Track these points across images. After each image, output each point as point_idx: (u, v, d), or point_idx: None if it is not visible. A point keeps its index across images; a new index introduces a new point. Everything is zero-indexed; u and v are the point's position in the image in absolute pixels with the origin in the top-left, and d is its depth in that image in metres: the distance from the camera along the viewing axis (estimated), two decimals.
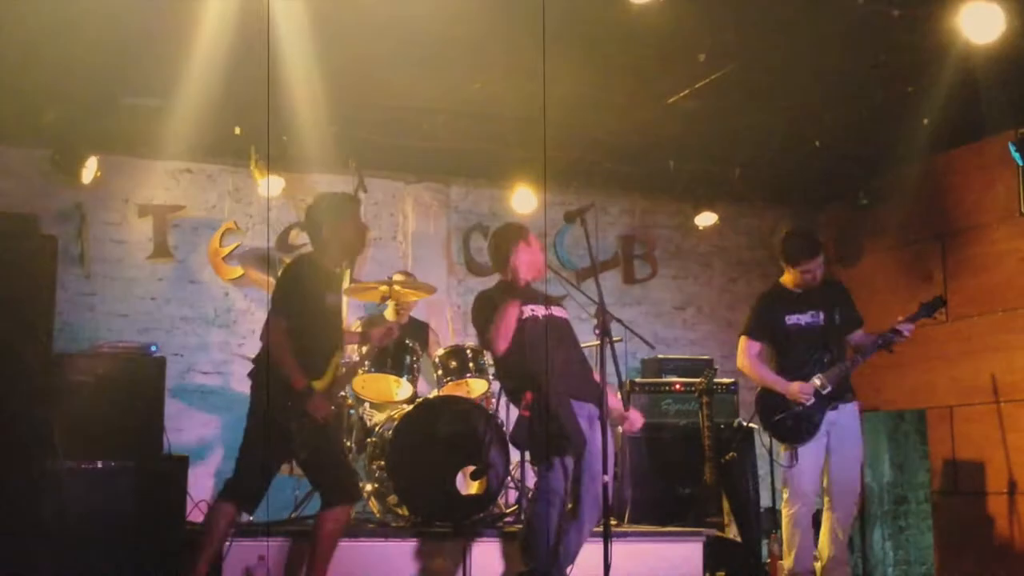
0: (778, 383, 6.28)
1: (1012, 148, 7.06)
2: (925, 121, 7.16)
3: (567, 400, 5.48)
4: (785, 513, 6.34)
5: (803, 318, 6.31)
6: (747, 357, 6.42)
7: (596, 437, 5.38)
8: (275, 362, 5.24)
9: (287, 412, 5.20)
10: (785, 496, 6.34)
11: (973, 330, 7.83)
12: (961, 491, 7.79)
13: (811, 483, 6.25)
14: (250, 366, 5.47)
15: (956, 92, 6.65)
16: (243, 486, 5.36)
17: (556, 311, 5.77)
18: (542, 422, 5.41)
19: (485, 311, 5.68)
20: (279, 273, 5.56)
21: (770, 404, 6.33)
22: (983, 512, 7.58)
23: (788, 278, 6.42)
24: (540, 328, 5.61)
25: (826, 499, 6.34)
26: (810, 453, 6.21)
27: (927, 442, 7.81)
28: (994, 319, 7.67)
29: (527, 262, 5.76)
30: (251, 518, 6.59)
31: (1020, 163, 7.15)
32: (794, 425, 6.23)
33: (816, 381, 6.17)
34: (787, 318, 6.33)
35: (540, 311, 5.70)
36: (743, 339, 6.47)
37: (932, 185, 8.24)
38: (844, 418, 6.25)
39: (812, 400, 6.17)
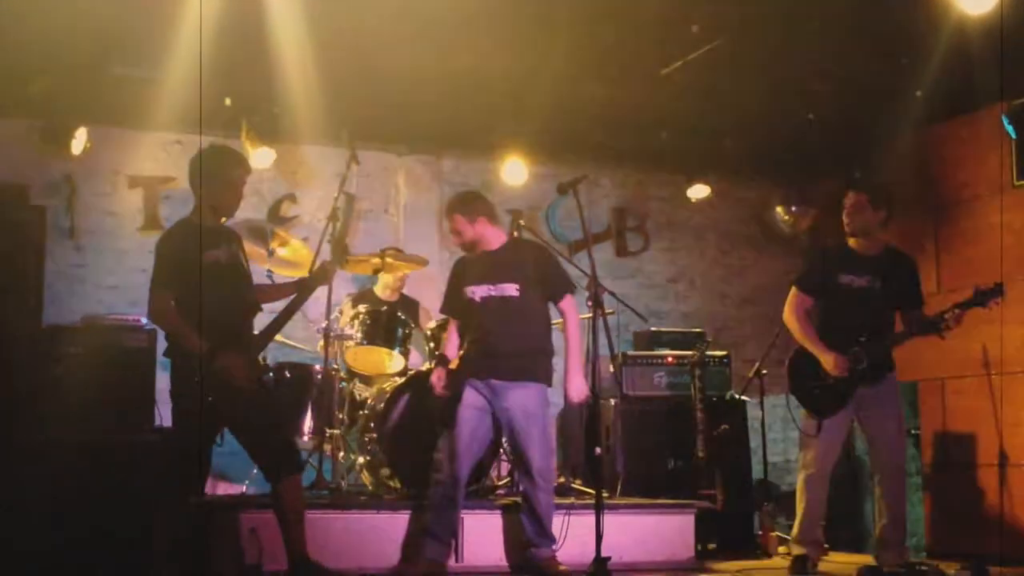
0: (817, 348, 6.05)
1: (1005, 120, 7.04)
2: (918, 93, 7.13)
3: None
4: (799, 479, 6.23)
5: (858, 280, 6.09)
6: (794, 311, 6.18)
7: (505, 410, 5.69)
8: (171, 335, 5.11)
9: (199, 382, 4.97)
10: (800, 462, 6.23)
11: None
12: (952, 463, 7.81)
13: (826, 453, 6.11)
14: None
15: (949, 64, 6.63)
16: (178, 471, 5.18)
17: (506, 289, 5.75)
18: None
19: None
20: (156, 245, 5.28)
21: (803, 370, 6.14)
22: (974, 484, 7.60)
23: (854, 240, 6.21)
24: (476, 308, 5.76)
25: (875, 475, 6.27)
26: (833, 424, 6.06)
27: (919, 415, 7.81)
28: None
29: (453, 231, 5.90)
30: (243, 490, 6.61)
31: (1013, 135, 7.14)
32: (822, 396, 6.06)
33: (852, 355, 5.96)
34: (841, 276, 6.11)
35: (480, 292, 5.76)
36: (793, 290, 6.25)
37: (925, 157, 8.22)
38: (879, 392, 6.06)
39: (845, 375, 5.99)
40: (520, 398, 5.69)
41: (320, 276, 5.56)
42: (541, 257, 5.89)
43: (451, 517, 5.76)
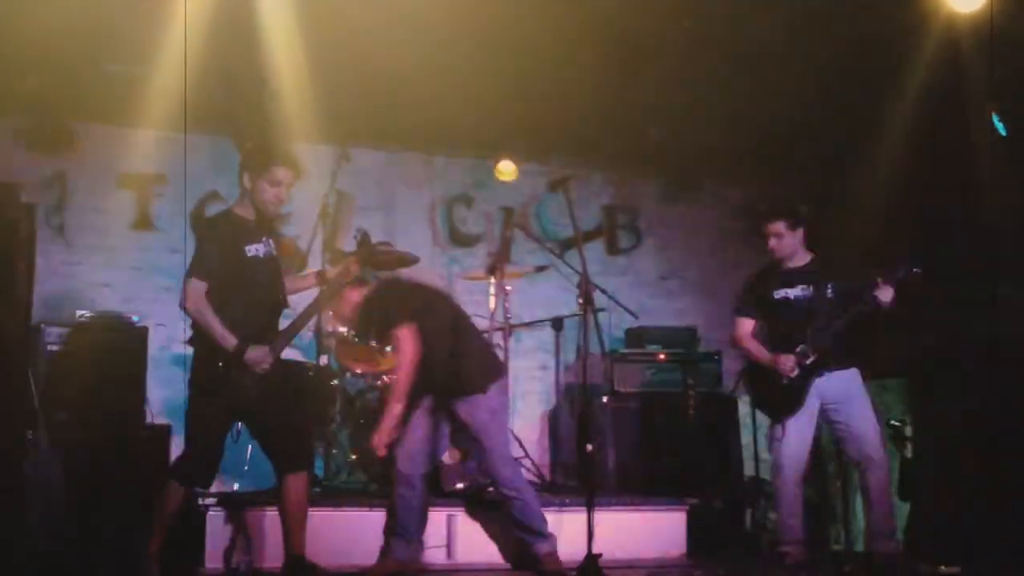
0: (762, 355, 6.27)
1: (995, 119, 7.05)
2: (908, 92, 7.15)
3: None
4: (773, 482, 6.35)
5: (792, 292, 6.28)
6: (739, 334, 6.42)
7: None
8: (201, 326, 5.12)
9: (224, 377, 5.07)
10: (771, 465, 6.33)
11: None
12: None
13: (795, 453, 6.21)
14: None
15: (939, 63, 6.65)
16: (192, 464, 5.22)
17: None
18: None
19: None
20: (198, 232, 5.34)
21: (756, 378, 6.35)
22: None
23: (781, 260, 6.37)
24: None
25: (857, 470, 6.32)
26: (797, 424, 6.18)
27: (911, 410, 7.83)
28: None
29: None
30: (236, 487, 6.61)
31: (1003, 134, 7.15)
32: (780, 398, 6.21)
33: (799, 351, 6.14)
34: (775, 293, 6.31)
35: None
36: (735, 317, 6.48)
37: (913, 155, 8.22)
38: (839, 384, 6.18)
39: (796, 371, 6.16)
40: (463, 413, 5.71)
41: (344, 273, 5.58)
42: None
43: (414, 517, 5.75)
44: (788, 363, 6.14)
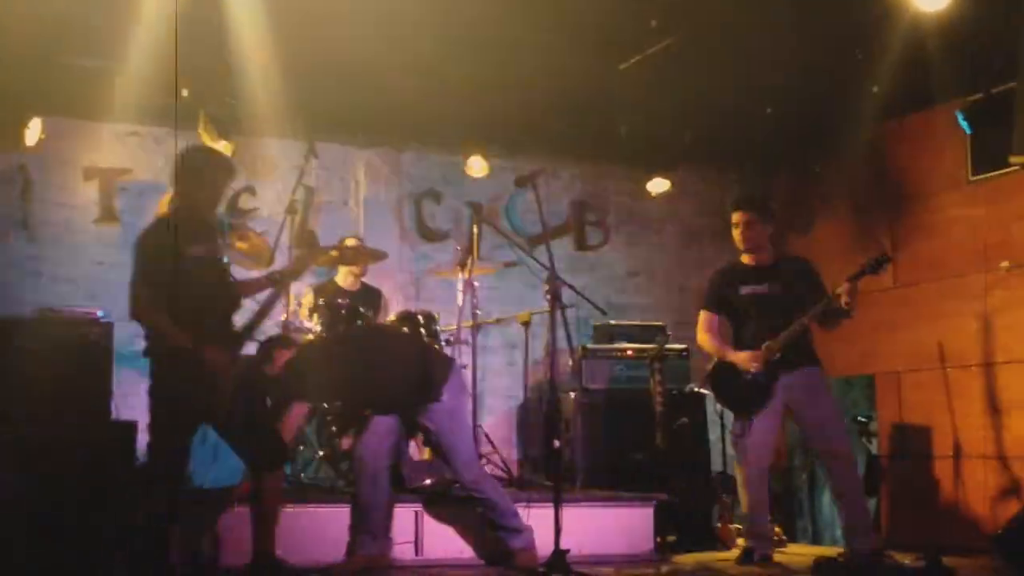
0: (728, 352, 6.29)
1: (960, 116, 7.10)
2: (875, 89, 7.18)
3: None
4: (737, 478, 6.40)
5: (758, 288, 6.30)
6: (704, 330, 6.43)
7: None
8: (154, 332, 5.06)
9: (185, 383, 4.98)
10: (736, 462, 6.39)
11: (921, 296, 7.91)
12: (908, 455, 7.88)
13: (759, 451, 6.25)
14: None
15: (906, 59, 6.68)
16: (158, 470, 5.14)
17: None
18: None
19: None
20: (136, 242, 5.21)
21: (722, 375, 6.35)
22: (930, 476, 7.68)
23: (747, 256, 6.41)
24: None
25: (824, 466, 6.38)
26: (761, 421, 6.21)
27: (875, 407, 7.89)
28: (942, 286, 7.75)
29: None
30: (201, 484, 6.56)
31: (968, 131, 7.20)
32: (747, 394, 6.24)
33: (765, 348, 6.16)
34: (741, 288, 6.33)
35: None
36: (701, 312, 6.50)
37: (882, 152, 8.28)
38: (803, 380, 6.19)
39: (761, 368, 6.18)
40: (423, 420, 5.70)
41: (294, 270, 5.55)
42: None
43: (381, 512, 5.74)
44: (757, 358, 6.16)
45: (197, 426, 5.23)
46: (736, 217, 6.35)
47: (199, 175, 5.26)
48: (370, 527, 5.71)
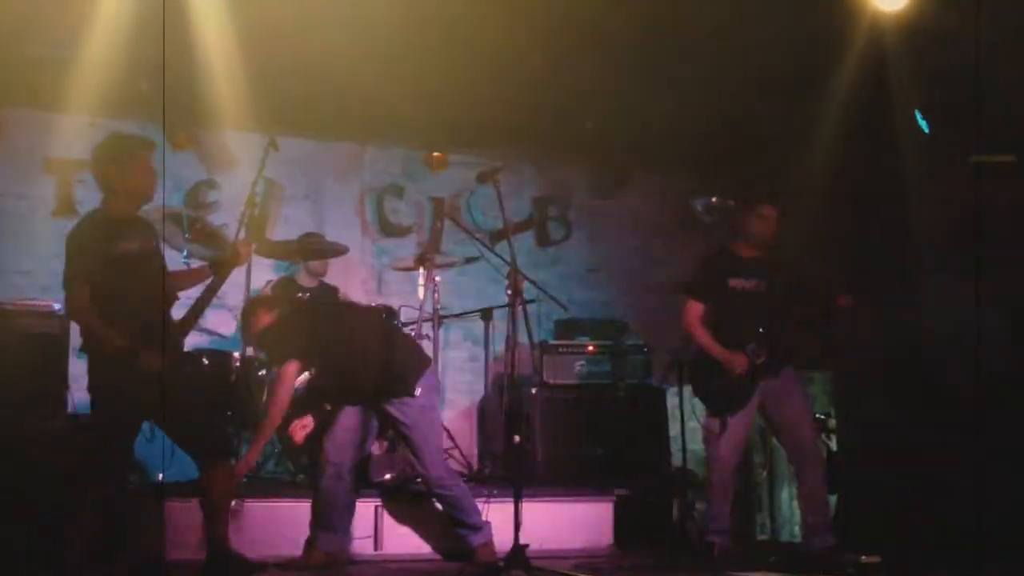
0: (713, 348, 6.20)
1: (918, 115, 7.16)
2: (834, 89, 7.23)
3: None
4: (707, 474, 6.40)
5: (746, 283, 6.25)
6: (696, 323, 6.30)
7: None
8: (87, 333, 5.01)
9: (121, 383, 4.94)
10: (706, 459, 6.39)
11: None
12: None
13: (732, 449, 6.25)
14: None
15: (865, 61, 6.73)
16: (100, 466, 5.11)
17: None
18: None
19: None
20: (65, 240, 5.09)
21: (704, 371, 6.29)
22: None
23: (738, 243, 6.37)
24: None
25: (792, 464, 6.42)
26: (737, 421, 6.20)
27: (835, 403, 7.93)
28: None
29: None
30: (161, 477, 6.52)
31: (926, 130, 7.26)
32: (727, 394, 6.20)
33: (749, 350, 6.14)
34: (730, 280, 6.27)
35: None
36: (690, 302, 6.36)
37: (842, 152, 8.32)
38: (782, 384, 6.21)
39: (745, 370, 6.15)
40: (395, 412, 5.71)
41: (234, 258, 5.43)
42: None
43: (341, 508, 5.75)
44: (742, 360, 6.14)
45: (138, 423, 5.17)
46: (767, 211, 6.27)
47: (120, 163, 5.17)
48: (331, 522, 5.70)
